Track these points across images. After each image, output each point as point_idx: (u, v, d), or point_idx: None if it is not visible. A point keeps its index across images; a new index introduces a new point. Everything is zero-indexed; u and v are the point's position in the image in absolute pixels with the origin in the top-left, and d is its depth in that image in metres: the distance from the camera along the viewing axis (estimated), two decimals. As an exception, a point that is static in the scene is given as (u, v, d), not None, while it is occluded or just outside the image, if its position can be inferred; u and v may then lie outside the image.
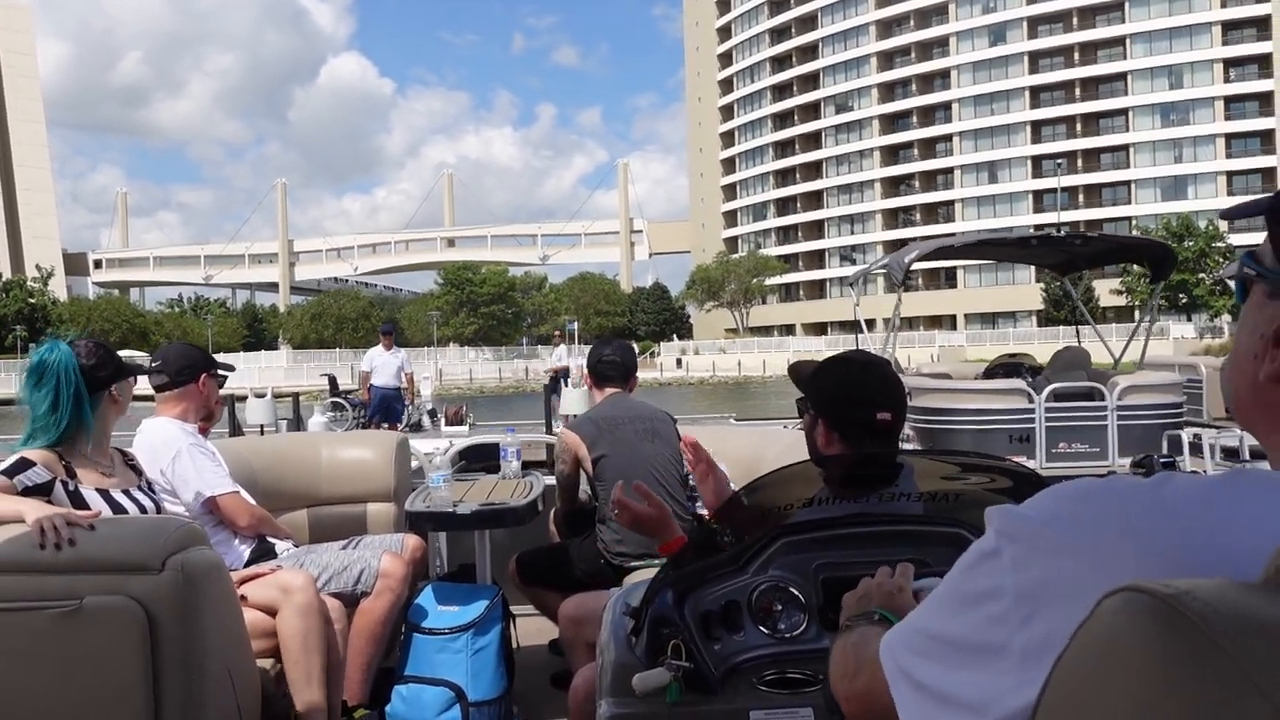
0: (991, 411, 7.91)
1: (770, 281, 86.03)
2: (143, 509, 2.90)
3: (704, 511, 3.49)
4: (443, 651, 3.33)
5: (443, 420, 11.55)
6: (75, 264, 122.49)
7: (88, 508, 2.70)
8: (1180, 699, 0.48)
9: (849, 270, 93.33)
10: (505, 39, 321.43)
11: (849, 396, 2.03)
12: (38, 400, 2.75)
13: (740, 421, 10.31)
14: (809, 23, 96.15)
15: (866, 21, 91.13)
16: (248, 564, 3.21)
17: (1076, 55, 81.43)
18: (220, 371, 3.44)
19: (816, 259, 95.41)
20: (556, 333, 18.38)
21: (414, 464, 4.33)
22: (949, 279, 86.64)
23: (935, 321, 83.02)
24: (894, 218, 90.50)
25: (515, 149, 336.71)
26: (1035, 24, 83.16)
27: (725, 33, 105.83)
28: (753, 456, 3.64)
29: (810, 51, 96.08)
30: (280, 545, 3.35)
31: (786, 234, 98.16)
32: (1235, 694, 0.45)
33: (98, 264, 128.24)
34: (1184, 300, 61.32)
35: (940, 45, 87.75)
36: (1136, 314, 69.53)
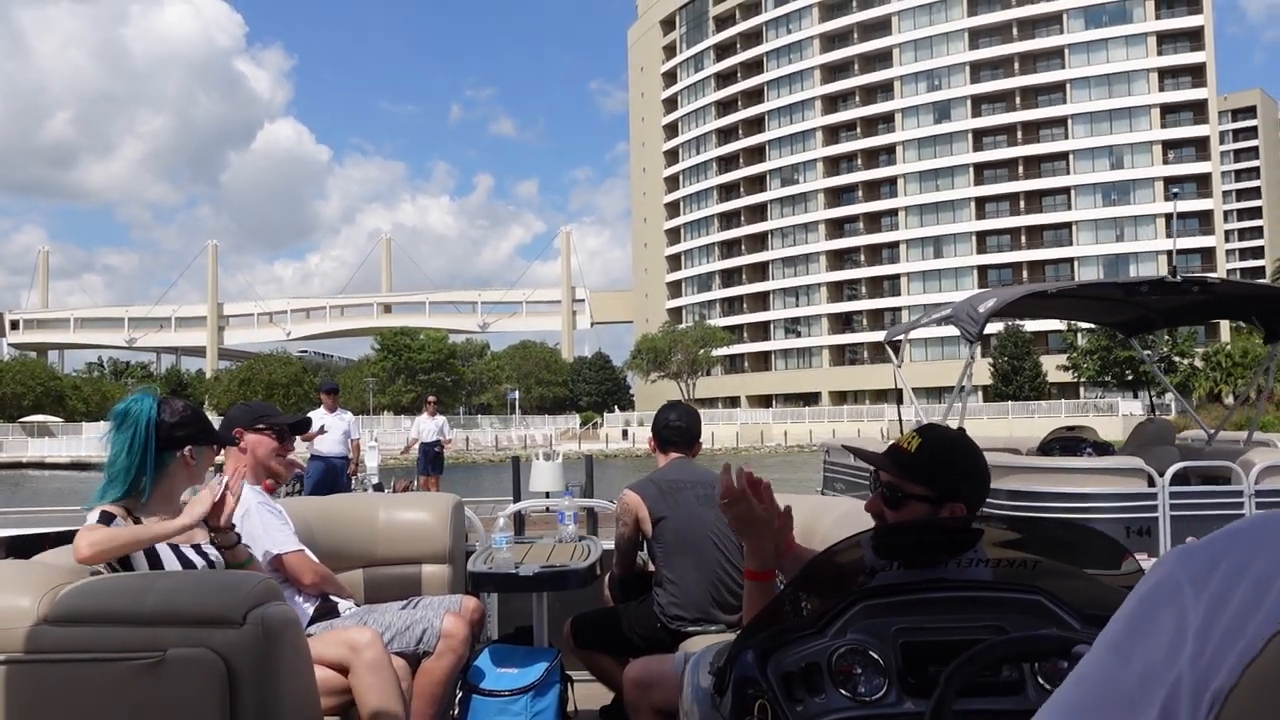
0: (1101, 497, 6.99)
1: (716, 353, 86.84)
2: (212, 564, 2.95)
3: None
4: (502, 714, 3.39)
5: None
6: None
7: (160, 563, 2.77)
8: None
9: (795, 343, 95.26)
10: (444, 109, 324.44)
11: (981, 469, 2.14)
12: (114, 446, 2.83)
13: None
14: (755, 96, 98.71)
15: (812, 96, 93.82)
16: (311, 622, 3.26)
17: (1020, 134, 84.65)
18: (285, 430, 3.50)
19: (761, 331, 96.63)
20: (431, 398, 16.53)
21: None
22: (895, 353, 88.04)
23: (881, 395, 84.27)
24: (839, 291, 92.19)
25: (452, 218, 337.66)
26: (979, 102, 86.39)
27: (671, 104, 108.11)
28: (806, 527, 3.78)
29: (756, 124, 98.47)
30: (343, 604, 3.41)
31: (731, 305, 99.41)
32: None
33: (14, 325, 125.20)
34: (1129, 376, 63.16)
35: (885, 121, 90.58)
36: (1081, 391, 71.64)
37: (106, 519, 2.71)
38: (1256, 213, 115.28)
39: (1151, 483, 6.90)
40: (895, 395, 10.15)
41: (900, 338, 10.66)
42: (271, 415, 3.55)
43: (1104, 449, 8.19)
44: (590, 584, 3.59)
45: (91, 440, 64.01)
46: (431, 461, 15.14)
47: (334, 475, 11.45)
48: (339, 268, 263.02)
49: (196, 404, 3.09)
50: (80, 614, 2.29)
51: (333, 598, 3.41)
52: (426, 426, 15.16)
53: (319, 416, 11.33)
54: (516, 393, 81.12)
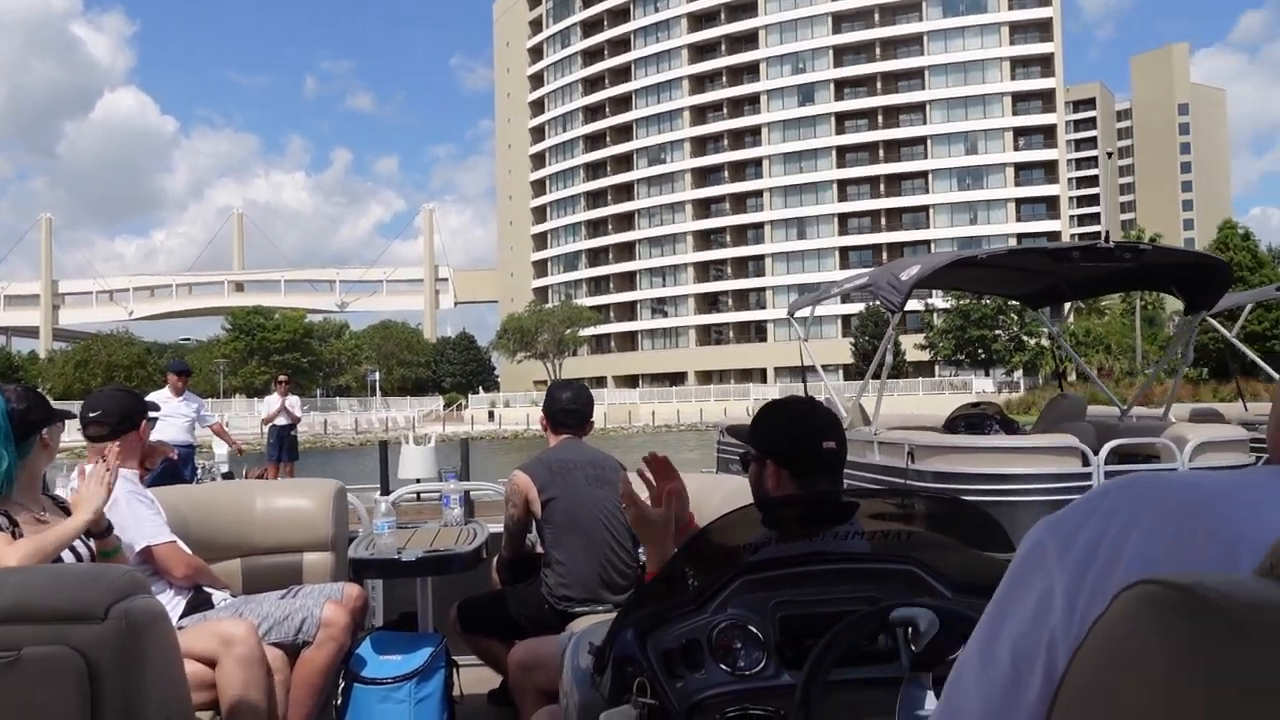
0: (1033, 478, 6.76)
1: (583, 333, 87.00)
2: (79, 556, 2.83)
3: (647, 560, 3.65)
4: (385, 701, 3.33)
5: None
6: None
7: None
8: (1201, 686, 0.50)
9: (661, 323, 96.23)
10: (297, 82, 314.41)
11: (797, 430, 2.20)
12: None
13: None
14: (623, 74, 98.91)
15: (680, 76, 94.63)
16: (184, 615, 3.15)
17: (880, 118, 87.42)
18: (152, 414, 3.38)
19: (628, 310, 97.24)
20: (282, 377, 15.36)
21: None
22: (759, 332, 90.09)
23: (746, 375, 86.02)
24: (705, 271, 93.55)
25: (308, 194, 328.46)
26: (842, 86, 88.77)
27: (537, 80, 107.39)
28: (695, 505, 3.82)
29: (624, 103, 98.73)
30: (217, 595, 3.29)
31: (598, 285, 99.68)
32: (1256, 677, 0.48)
33: None
34: (982, 355, 66.22)
35: (751, 102, 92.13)
36: (936, 369, 74.77)
37: None
38: (1094, 200, 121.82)
39: (1086, 462, 6.76)
40: (802, 372, 10.04)
41: (806, 311, 10.35)
42: (145, 404, 3.45)
43: (1010, 426, 8.12)
44: (475, 568, 3.55)
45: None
46: (287, 447, 14.38)
47: (175, 467, 10.76)
48: (187, 245, 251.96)
49: (30, 385, 2.96)
50: None
51: (207, 589, 3.29)
52: (277, 408, 14.36)
53: (162, 399, 10.30)
54: (377, 374, 79.49)
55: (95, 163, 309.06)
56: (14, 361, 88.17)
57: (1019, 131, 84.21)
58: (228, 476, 11.53)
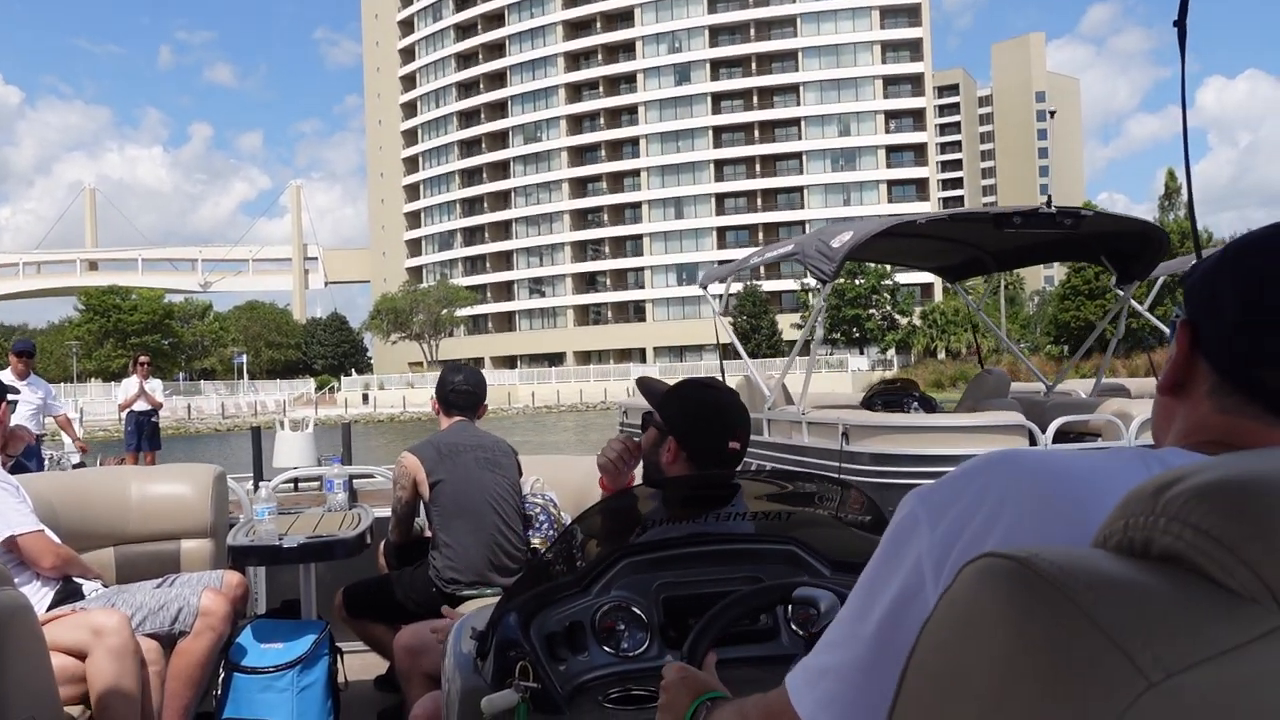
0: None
1: (460, 313, 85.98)
2: None
3: (537, 543, 3.67)
4: (266, 691, 3.27)
5: None
6: None
7: None
8: (1037, 654, 0.52)
9: (539, 303, 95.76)
10: (151, 52, 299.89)
11: (709, 423, 2.21)
12: None
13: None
14: (497, 50, 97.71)
15: (555, 53, 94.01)
16: (51, 606, 3.03)
17: (755, 99, 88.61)
18: (11, 397, 3.22)
19: (505, 290, 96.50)
20: (142, 358, 14.12)
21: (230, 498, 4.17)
22: (638, 311, 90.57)
23: (625, 355, 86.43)
24: (583, 250, 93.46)
25: (165, 171, 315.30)
26: (717, 66, 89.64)
27: (409, 55, 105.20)
28: (587, 486, 3.85)
29: (499, 79, 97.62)
30: (88, 586, 3.18)
31: (474, 264, 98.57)
32: (1089, 645, 0.49)
33: None
34: (856, 334, 68.05)
35: (628, 80, 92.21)
36: (811, 348, 76.33)
37: None
38: (958, 183, 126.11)
39: (1033, 441, 6.64)
40: (718, 348, 9.99)
41: (719, 284, 9.99)
42: (4, 386, 3.26)
43: (930, 404, 8.04)
44: (360, 553, 3.51)
45: None
46: (147, 435, 13.53)
47: (17, 461, 10.12)
48: (35, 222, 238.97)
49: None
50: None
51: (77, 579, 3.17)
52: (135, 392, 13.47)
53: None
54: (245, 356, 76.97)
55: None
56: None
57: (890, 115, 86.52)
58: (78, 468, 10.95)
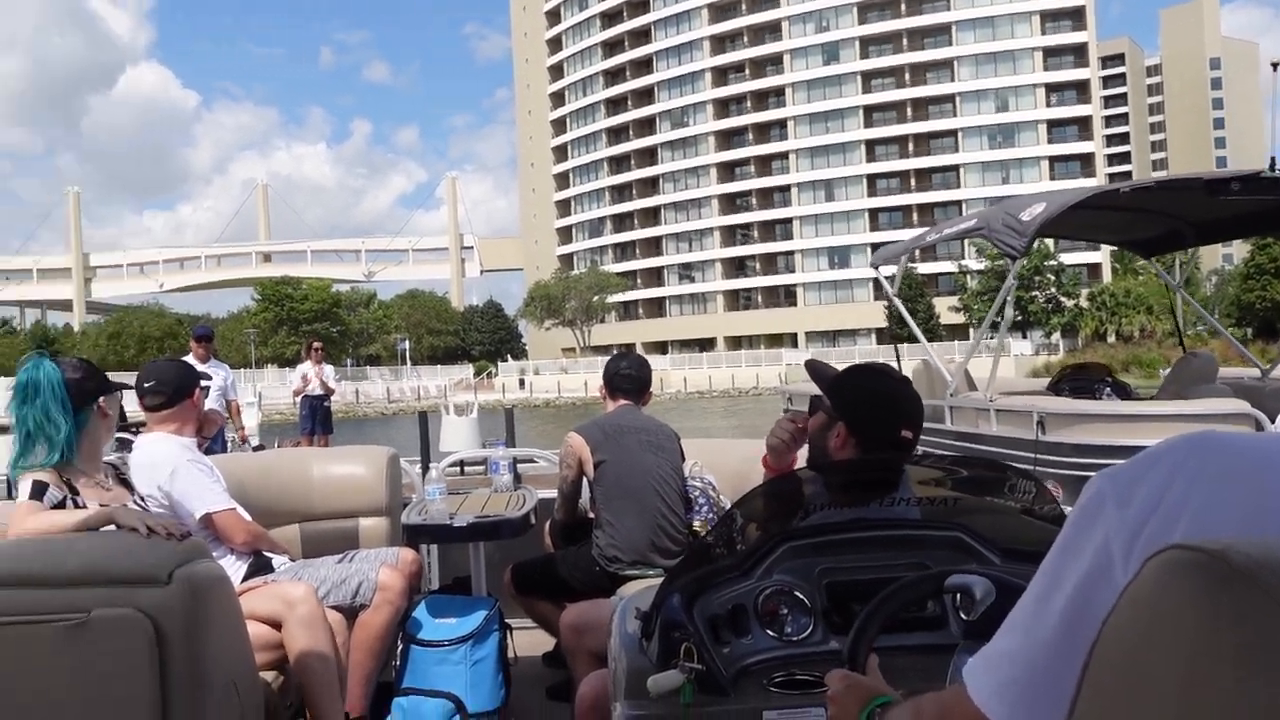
0: None
1: (611, 299, 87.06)
2: None
3: (697, 525, 3.70)
4: (441, 663, 3.40)
5: None
6: None
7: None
8: (1231, 650, 0.49)
9: (689, 288, 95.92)
10: (313, 53, 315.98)
11: (882, 410, 2.19)
12: (28, 416, 2.78)
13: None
14: (642, 36, 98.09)
15: (700, 36, 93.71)
16: (245, 579, 3.22)
17: (908, 76, 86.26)
18: (203, 383, 3.46)
19: (654, 276, 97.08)
20: (316, 344, 14.41)
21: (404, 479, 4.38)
22: (788, 296, 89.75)
23: (776, 340, 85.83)
24: (732, 235, 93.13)
25: (329, 167, 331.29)
26: (867, 44, 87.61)
27: (556, 44, 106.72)
28: (746, 469, 3.86)
29: (645, 66, 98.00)
30: (277, 560, 3.37)
31: (624, 251, 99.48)
32: None
33: None
34: (1019, 317, 65.62)
35: (774, 63, 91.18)
36: (972, 333, 74.02)
37: (39, 489, 2.68)
38: (1125, 158, 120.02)
39: (1259, 428, 5.92)
40: (890, 333, 9.75)
41: (891, 264, 9.43)
42: (197, 374, 3.53)
43: (1124, 390, 7.56)
44: (526, 533, 3.62)
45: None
46: (320, 419, 13.75)
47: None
48: (213, 218, 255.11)
49: (85, 358, 3.04)
50: None
51: (267, 554, 3.37)
52: (312, 375, 13.62)
53: None
54: (407, 342, 79.98)
55: (121, 137, 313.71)
56: (49, 335, 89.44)
57: (1051, 88, 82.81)
58: (258, 449, 11.56)
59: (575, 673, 3.25)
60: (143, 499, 3.05)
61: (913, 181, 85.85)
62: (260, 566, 3.30)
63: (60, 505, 2.67)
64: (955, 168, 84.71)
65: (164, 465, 3.19)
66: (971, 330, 74.10)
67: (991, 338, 8.07)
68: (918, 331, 9.15)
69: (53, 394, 2.76)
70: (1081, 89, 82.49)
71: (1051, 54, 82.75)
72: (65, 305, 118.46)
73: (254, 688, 2.62)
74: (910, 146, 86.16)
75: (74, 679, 2.19)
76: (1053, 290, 64.97)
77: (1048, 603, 0.77)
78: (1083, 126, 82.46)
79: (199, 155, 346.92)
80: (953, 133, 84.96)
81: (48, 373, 2.78)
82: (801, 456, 2.50)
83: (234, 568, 3.24)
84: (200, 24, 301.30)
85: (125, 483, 3.05)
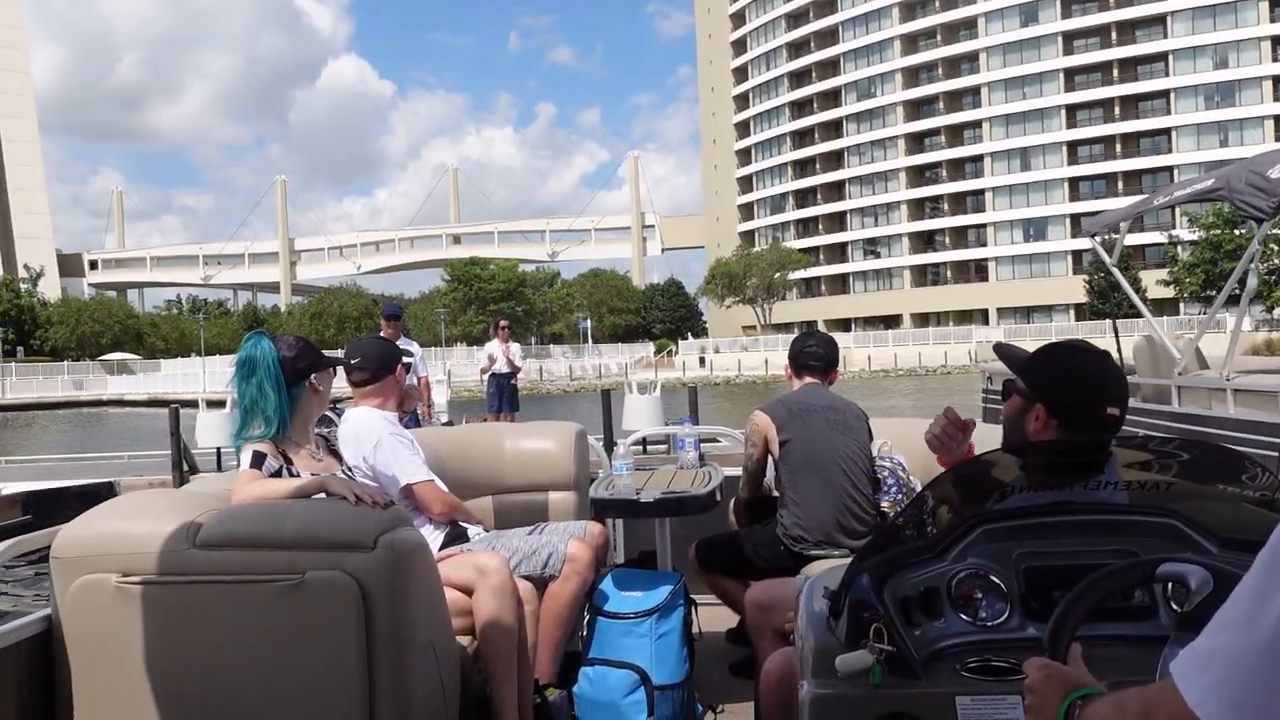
0: None
1: (792, 276, 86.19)
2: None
3: (886, 506, 3.65)
4: (627, 635, 3.48)
5: None
6: (70, 265, 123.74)
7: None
8: None
9: (873, 264, 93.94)
10: (501, 39, 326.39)
11: (1085, 388, 2.08)
12: (247, 392, 2.98)
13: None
14: (828, 6, 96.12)
15: (888, 4, 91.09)
16: (442, 547, 3.39)
17: (1114, 35, 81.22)
18: (405, 360, 3.67)
19: (838, 252, 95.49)
20: (503, 323, 14.56)
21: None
22: (979, 271, 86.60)
23: (965, 316, 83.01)
24: (920, 208, 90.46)
25: (515, 149, 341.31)
26: (1069, 2, 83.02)
27: (739, 19, 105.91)
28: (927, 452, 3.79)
29: (830, 36, 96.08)
30: (471, 530, 3.54)
31: (806, 227, 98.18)
32: None
33: (93, 265, 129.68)
34: (1236, 290, 60.97)
35: (968, 27, 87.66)
36: (1182, 307, 69.25)
37: (258, 459, 2.88)
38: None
39: None
40: (1091, 308, 9.00)
41: (1109, 230, 8.77)
42: (400, 351, 3.74)
43: None
44: (710, 510, 3.66)
45: (170, 377, 66.25)
46: (507, 396, 13.94)
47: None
48: (406, 203, 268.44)
49: (303, 336, 3.24)
50: (225, 539, 2.44)
51: (462, 524, 3.53)
52: (499, 353, 13.83)
53: None
54: (589, 321, 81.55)
55: (323, 128, 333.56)
56: (259, 315, 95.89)
57: (1277, 40, 76.34)
58: (447, 425, 12.01)
59: (759, 650, 3.28)
60: (350, 469, 3.25)
61: (1118, 147, 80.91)
62: (457, 536, 3.47)
63: (276, 474, 2.86)
64: (1167, 131, 79.26)
65: (368, 437, 3.39)
66: (1181, 305, 69.52)
67: (1226, 311, 7.16)
68: (1141, 305, 8.62)
69: (268, 371, 2.94)
70: (1314, 40, 75.68)
71: (1278, 3, 76.19)
72: (273, 288, 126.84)
73: (450, 650, 2.78)
74: (1116, 110, 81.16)
75: (289, 635, 2.40)
76: (1276, 261, 60.05)
77: (1264, 601, 0.73)
78: (1315, 81, 75.68)
79: (394, 142, 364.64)
80: (1165, 93, 79.47)
81: (264, 351, 2.97)
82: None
83: (432, 536, 3.41)
84: (396, 15, 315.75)
85: (335, 453, 3.25)
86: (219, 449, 13.65)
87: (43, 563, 2.61)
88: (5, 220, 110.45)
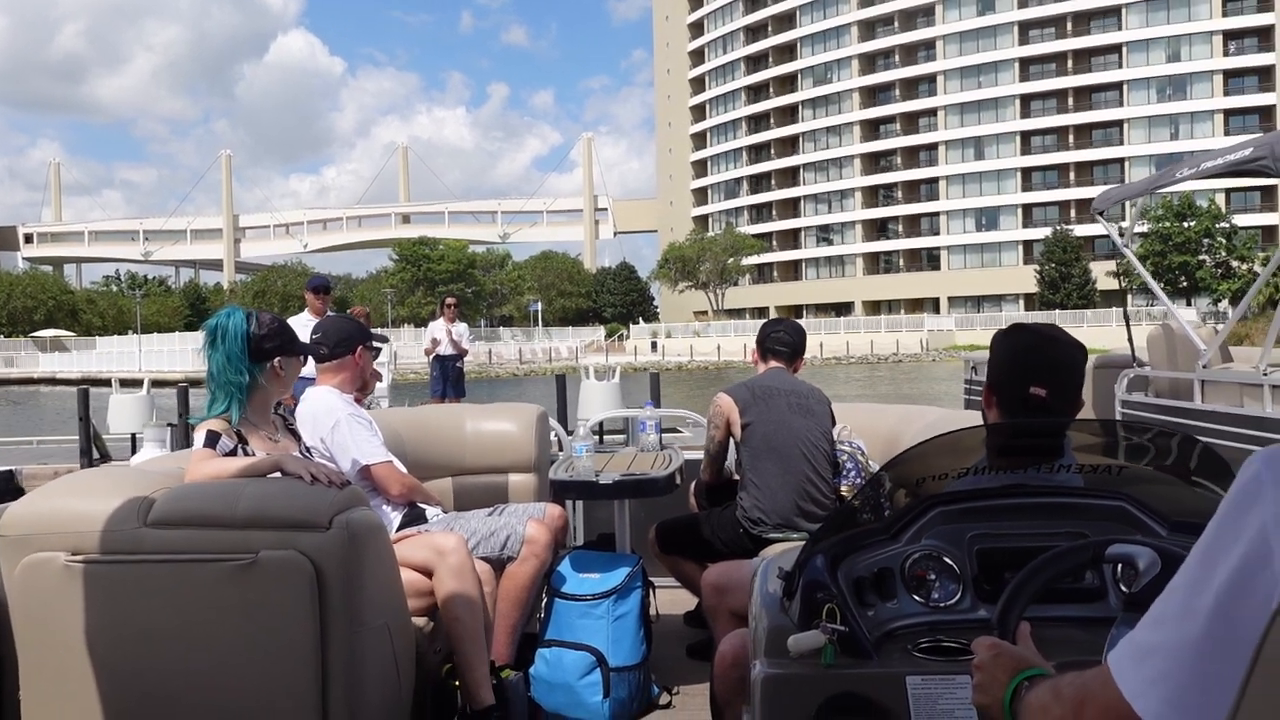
0: None
1: (745, 262, 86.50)
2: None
3: (845, 490, 3.70)
4: (584, 617, 3.51)
5: None
6: (4, 239, 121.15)
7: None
8: None
9: (826, 251, 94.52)
10: (454, 18, 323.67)
11: (1007, 367, 2.13)
12: (211, 360, 2.94)
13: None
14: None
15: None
16: (400, 528, 3.39)
17: (1069, 26, 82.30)
18: (375, 344, 3.64)
19: (791, 238, 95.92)
20: (450, 300, 13.82)
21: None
22: (931, 259, 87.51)
23: (917, 305, 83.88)
24: (874, 196, 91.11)
25: (467, 130, 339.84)
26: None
27: (696, 1, 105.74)
28: (896, 434, 3.86)
29: (787, 20, 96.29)
30: (430, 511, 3.54)
31: (760, 212, 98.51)
32: None
33: (28, 238, 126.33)
34: (1184, 283, 62.33)
35: (925, 14, 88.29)
36: (1129, 299, 70.44)
37: (212, 438, 2.82)
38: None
39: None
40: (1120, 293, 8.35)
41: (1117, 208, 8.26)
42: (368, 333, 3.68)
43: None
44: (670, 492, 3.70)
45: (106, 355, 64.90)
46: (452, 380, 13.22)
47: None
48: (355, 181, 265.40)
49: (280, 316, 3.17)
50: (177, 517, 2.42)
51: (421, 505, 3.54)
52: (444, 334, 13.09)
53: (302, 324, 8.20)
54: (539, 304, 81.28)
55: (271, 104, 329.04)
56: (201, 293, 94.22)
57: (1230, 35, 77.79)
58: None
59: (716, 632, 3.31)
60: (308, 449, 3.23)
61: (1071, 138, 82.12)
62: (414, 517, 3.47)
63: (231, 454, 2.82)
64: (1119, 123, 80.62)
65: (326, 417, 3.38)
66: (1130, 296, 70.71)
67: (1266, 307, 6.07)
68: (1159, 292, 8.00)
69: (233, 342, 2.89)
70: (1264, 36, 77.06)
71: (1230, -3, 77.76)
72: (216, 265, 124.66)
73: (406, 631, 2.79)
74: (1070, 100, 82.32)
75: (242, 614, 2.40)
76: (1223, 254, 61.41)
77: (1199, 594, 0.74)
78: (1264, 76, 77.19)
79: (344, 120, 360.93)
80: (1118, 85, 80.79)
81: (236, 323, 2.92)
82: None
83: (390, 517, 3.41)
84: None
85: (293, 432, 3.21)
86: (134, 434, 11.85)
87: None
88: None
